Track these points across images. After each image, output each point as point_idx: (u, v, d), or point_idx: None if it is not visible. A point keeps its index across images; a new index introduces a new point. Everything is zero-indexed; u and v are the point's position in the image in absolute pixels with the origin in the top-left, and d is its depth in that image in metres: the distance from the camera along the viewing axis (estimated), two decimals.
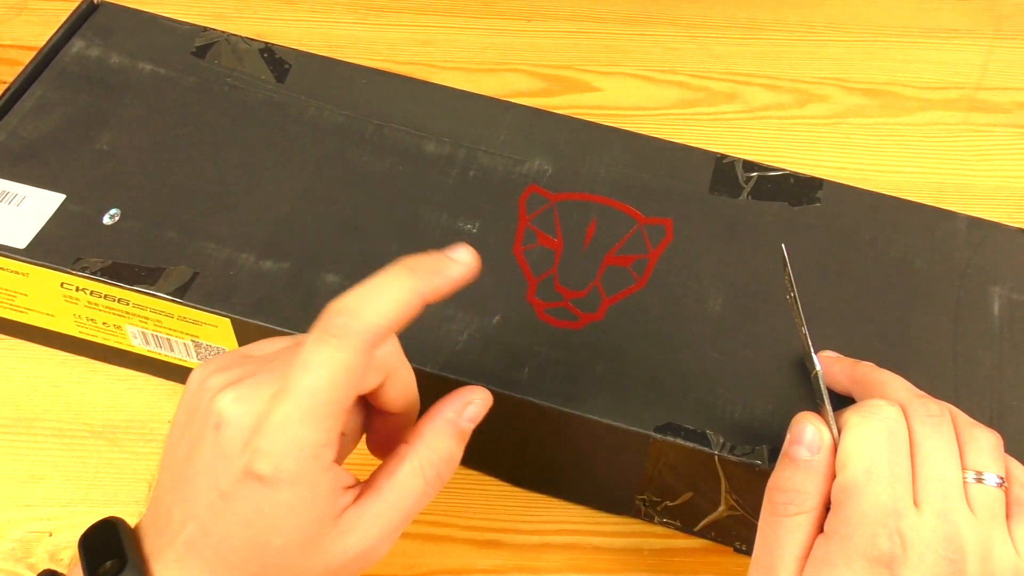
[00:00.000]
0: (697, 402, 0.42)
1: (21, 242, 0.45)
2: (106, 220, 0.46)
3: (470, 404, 0.36)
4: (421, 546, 0.45)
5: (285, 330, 0.43)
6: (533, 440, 0.44)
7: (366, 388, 0.34)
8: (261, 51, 0.52)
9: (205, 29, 0.53)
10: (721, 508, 0.43)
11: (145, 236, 0.45)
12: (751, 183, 0.49)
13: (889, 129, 0.61)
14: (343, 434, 0.33)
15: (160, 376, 0.49)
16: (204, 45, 0.52)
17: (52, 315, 0.47)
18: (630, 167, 0.49)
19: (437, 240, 0.46)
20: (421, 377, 0.42)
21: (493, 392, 0.41)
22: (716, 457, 0.40)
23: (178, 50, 0.52)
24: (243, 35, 0.53)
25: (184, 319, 0.44)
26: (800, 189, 0.48)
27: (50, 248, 0.45)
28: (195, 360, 0.47)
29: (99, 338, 0.48)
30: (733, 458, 0.40)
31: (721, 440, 0.40)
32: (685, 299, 0.45)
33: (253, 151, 0.49)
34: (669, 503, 0.44)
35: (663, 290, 0.45)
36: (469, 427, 0.36)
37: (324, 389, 0.31)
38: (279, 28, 0.63)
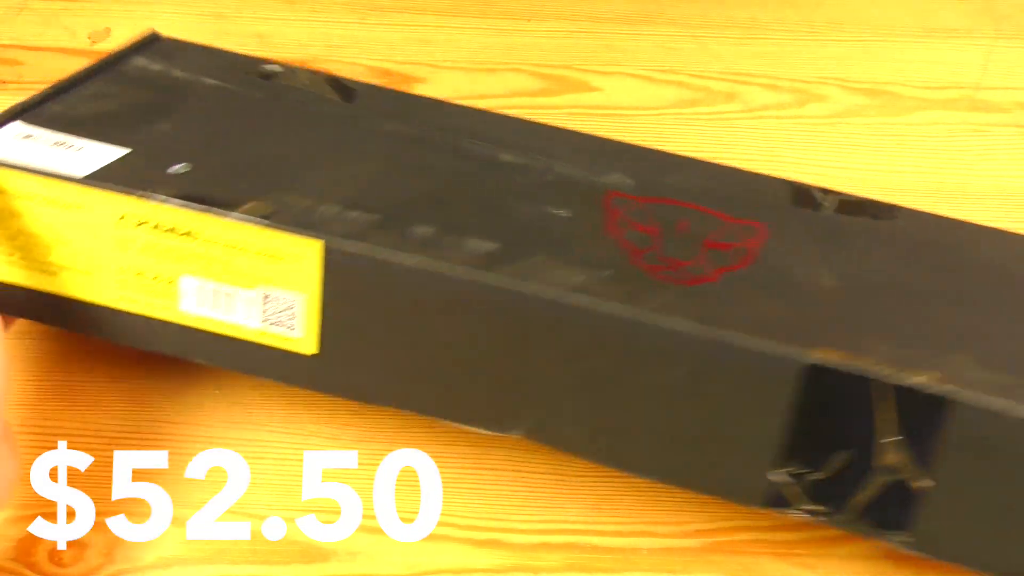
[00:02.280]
0: (849, 336, 0.37)
1: (80, 172, 0.40)
2: (175, 170, 0.41)
3: None
4: (420, 545, 0.45)
5: (384, 259, 0.39)
6: (645, 397, 0.39)
7: None
8: (327, 79, 0.51)
9: (268, 61, 0.52)
10: (876, 476, 0.37)
11: (218, 183, 0.41)
12: (830, 202, 0.48)
13: (889, 129, 0.61)
14: None
15: (200, 358, 0.43)
16: (268, 72, 0.51)
17: (91, 272, 0.41)
18: (708, 183, 0.48)
19: (528, 220, 0.43)
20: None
21: (607, 333, 0.37)
22: (887, 388, 0.36)
23: (242, 71, 0.51)
24: (292, 60, 0.53)
25: (263, 254, 0.39)
26: (879, 209, 0.48)
27: (113, 180, 0.40)
28: (256, 325, 0.41)
29: (141, 305, 0.42)
30: (911, 383, 0.35)
31: (888, 371, 0.36)
32: (795, 277, 0.42)
33: (327, 144, 0.47)
34: (814, 476, 0.38)
35: (771, 268, 0.42)
36: None
37: None
38: (279, 28, 0.63)
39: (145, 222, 0.40)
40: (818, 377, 0.36)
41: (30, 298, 0.42)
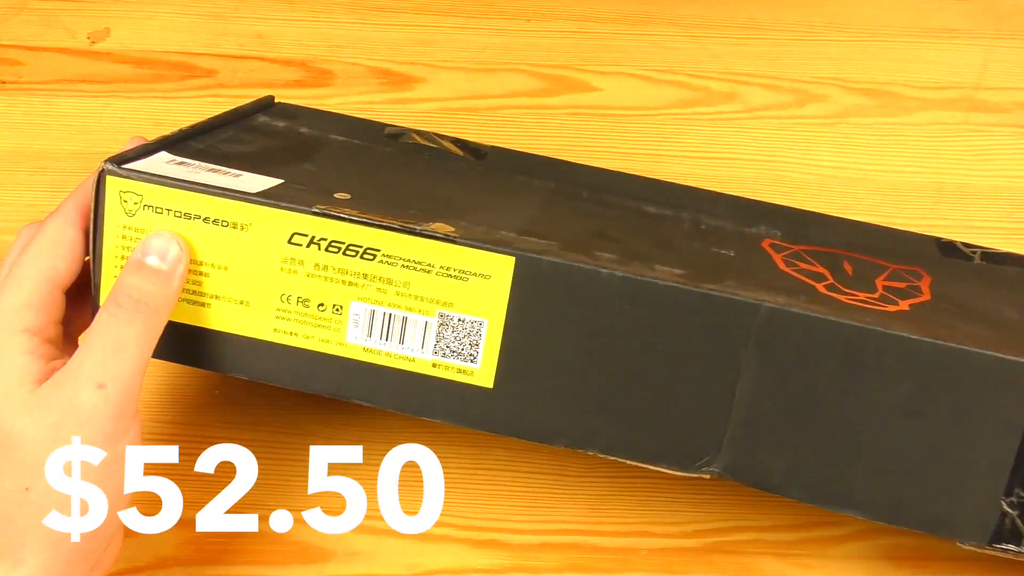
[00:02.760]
0: None
1: (248, 188, 0.38)
2: (339, 196, 0.39)
3: (145, 241, 0.37)
4: (420, 546, 0.45)
5: (587, 271, 0.37)
6: (863, 419, 0.37)
7: None
8: (454, 140, 0.51)
9: (391, 125, 0.51)
10: None
11: (387, 210, 0.38)
12: (977, 255, 0.48)
13: (889, 129, 0.61)
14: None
15: (359, 398, 0.40)
16: (394, 133, 0.50)
17: (248, 302, 0.39)
18: (855, 237, 0.47)
19: (701, 255, 0.42)
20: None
21: (826, 345, 0.35)
22: None
23: (368, 131, 0.50)
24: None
25: (447, 272, 0.37)
26: None
27: (284, 198, 0.38)
28: (429, 356, 0.38)
29: (300, 338, 0.39)
30: None
31: None
32: (979, 309, 0.41)
33: (473, 190, 0.46)
34: None
35: (953, 303, 0.41)
36: (149, 260, 0.37)
37: None
38: (279, 28, 0.63)
39: (320, 241, 0.37)
40: None
41: (169, 333, 0.39)
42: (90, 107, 0.59)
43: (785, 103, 0.62)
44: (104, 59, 0.61)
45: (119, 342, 0.36)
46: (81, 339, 0.39)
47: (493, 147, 0.51)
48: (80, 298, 0.40)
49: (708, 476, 0.38)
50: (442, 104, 0.60)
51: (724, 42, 0.65)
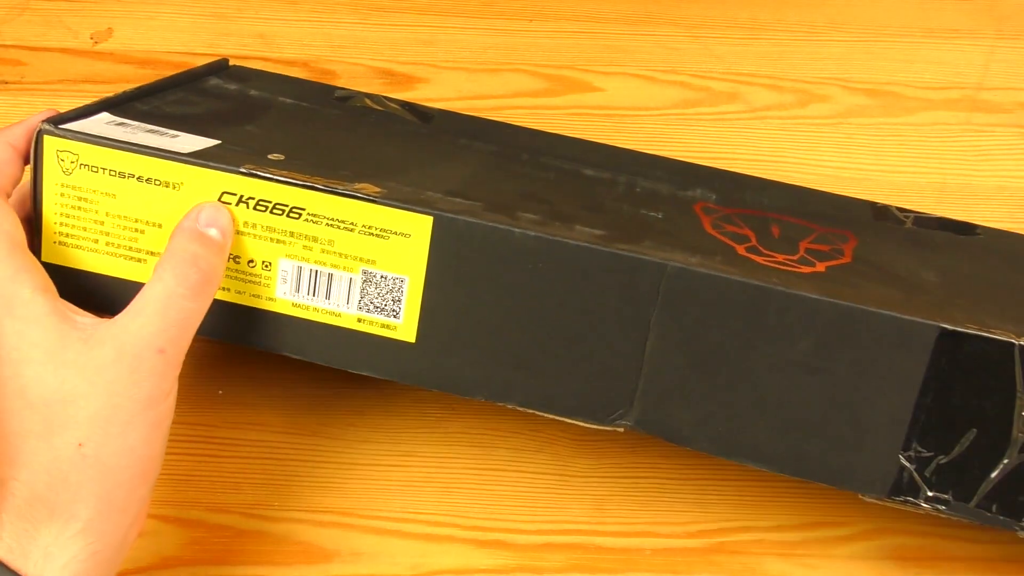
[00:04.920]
0: (975, 315, 0.36)
1: (182, 149, 0.39)
2: (272, 156, 0.41)
3: (202, 211, 0.38)
4: (423, 546, 0.45)
5: (501, 230, 0.38)
6: (767, 375, 0.38)
7: None
8: (403, 104, 0.51)
9: (341, 88, 0.52)
10: (1011, 453, 0.36)
11: (318, 170, 0.40)
12: (910, 219, 0.48)
13: (891, 129, 0.61)
14: None
15: (289, 350, 0.41)
16: (344, 96, 0.51)
17: None
18: (788, 201, 0.48)
19: (628, 217, 0.43)
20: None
21: (732, 304, 0.37)
22: (1018, 349, 0.35)
23: (318, 94, 0.51)
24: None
25: (368, 231, 0.39)
26: (959, 227, 0.48)
27: (214, 159, 0.39)
28: (353, 310, 0.40)
29: (232, 293, 0.40)
30: None
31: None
32: (898, 272, 0.42)
33: (413, 152, 0.47)
34: (943, 459, 0.37)
35: (872, 265, 0.42)
36: (211, 232, 0.38)
37: None
38: (280, 28, 0.63)
39: (248, 200, 0.39)
40: (954, 347, 0.36)
41: (111, 288, 0.40)
42: None
43: (787, 103, 0.62)
44: (107, 59, 0.61)
45: (183, 313, 0.36)
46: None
47: (441, 110, 0.52)
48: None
49: (622, 429, 0.39)
50: (444, 104, 0.60)
51: (726, 42, 0.65)
